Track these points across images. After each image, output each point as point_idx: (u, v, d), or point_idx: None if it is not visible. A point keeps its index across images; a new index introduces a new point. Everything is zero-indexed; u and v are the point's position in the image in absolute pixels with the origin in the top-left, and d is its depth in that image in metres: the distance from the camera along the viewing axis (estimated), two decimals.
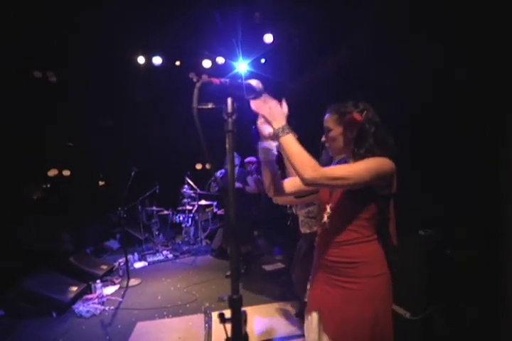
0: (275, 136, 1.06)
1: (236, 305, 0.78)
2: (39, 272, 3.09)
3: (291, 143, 1.02)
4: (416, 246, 2.33)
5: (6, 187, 4.81)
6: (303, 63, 3.85)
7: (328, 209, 1.18)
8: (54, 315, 2.81)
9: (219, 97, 0.84)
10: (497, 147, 1.80)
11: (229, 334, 0.77)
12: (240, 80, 0.91)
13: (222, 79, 0.85)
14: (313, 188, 1.26)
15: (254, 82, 0.94)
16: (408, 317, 2.25)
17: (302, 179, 1.00)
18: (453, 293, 2.13)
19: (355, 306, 1.08)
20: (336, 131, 1.15)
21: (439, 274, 2.27)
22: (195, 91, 0.78)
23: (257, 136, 1.19)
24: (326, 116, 1.19)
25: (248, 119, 1.07)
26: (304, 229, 2.30)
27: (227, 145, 0.86)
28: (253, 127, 1.20)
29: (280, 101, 1.08)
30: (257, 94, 0.95)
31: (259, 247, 4.34)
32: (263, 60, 4.54)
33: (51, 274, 3.20)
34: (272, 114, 1.04)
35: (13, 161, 4.85)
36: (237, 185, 3.41)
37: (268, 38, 4.28)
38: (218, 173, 3.59)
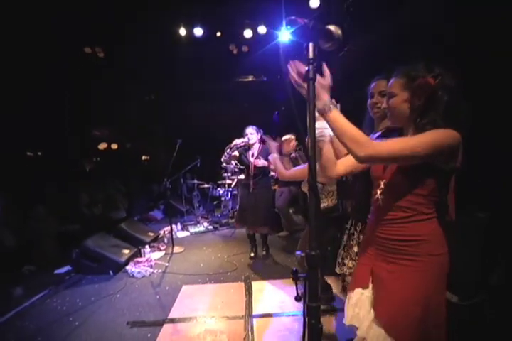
0: (321, 116, 0.98)
1: (313, 261, 0.76)
2: (97, 235, 3.42)
3: (338, 119, 0.95)
4: (471, 227, 2.15)
5: (64, 160, 5.28)
6: (352, 28, 3.50)
7: (382, 185, 1.10)
8: (111, 273, 3.14)
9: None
10: None
11: (299, 292, 0.77)
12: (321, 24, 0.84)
13: (306, 20, 0.80)
14: (367, 166, 1.19)
15: (333, 28, 0.85)
16: (454, 302, 2.15)
17: (356, 157, 0.94)
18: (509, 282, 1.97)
19: (410, 284, 1.03)
20: (401, 97, 1.03)
21: (494, 259, 2.10)
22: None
23: (278, 121, 1.12)
24: (392, 80, 1.06)
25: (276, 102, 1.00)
26: None
27: (308, 95, 0.82)
28: (276, 112, 1.12)
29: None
30: (334, 42, 0.86)
31: (297, 223, 4.35)
32: None
33: (107, 237, 3.54)
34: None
35: (67, 137, 5.25)
36: (262, 162, 3.20)
37: (314, 3, 3.94)
38: (240, 141, 3.33)
